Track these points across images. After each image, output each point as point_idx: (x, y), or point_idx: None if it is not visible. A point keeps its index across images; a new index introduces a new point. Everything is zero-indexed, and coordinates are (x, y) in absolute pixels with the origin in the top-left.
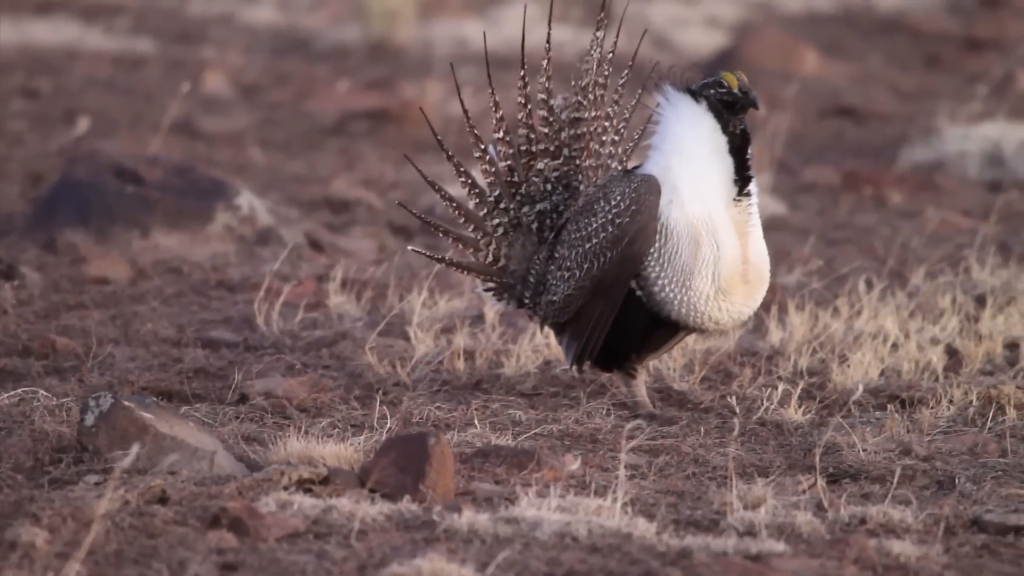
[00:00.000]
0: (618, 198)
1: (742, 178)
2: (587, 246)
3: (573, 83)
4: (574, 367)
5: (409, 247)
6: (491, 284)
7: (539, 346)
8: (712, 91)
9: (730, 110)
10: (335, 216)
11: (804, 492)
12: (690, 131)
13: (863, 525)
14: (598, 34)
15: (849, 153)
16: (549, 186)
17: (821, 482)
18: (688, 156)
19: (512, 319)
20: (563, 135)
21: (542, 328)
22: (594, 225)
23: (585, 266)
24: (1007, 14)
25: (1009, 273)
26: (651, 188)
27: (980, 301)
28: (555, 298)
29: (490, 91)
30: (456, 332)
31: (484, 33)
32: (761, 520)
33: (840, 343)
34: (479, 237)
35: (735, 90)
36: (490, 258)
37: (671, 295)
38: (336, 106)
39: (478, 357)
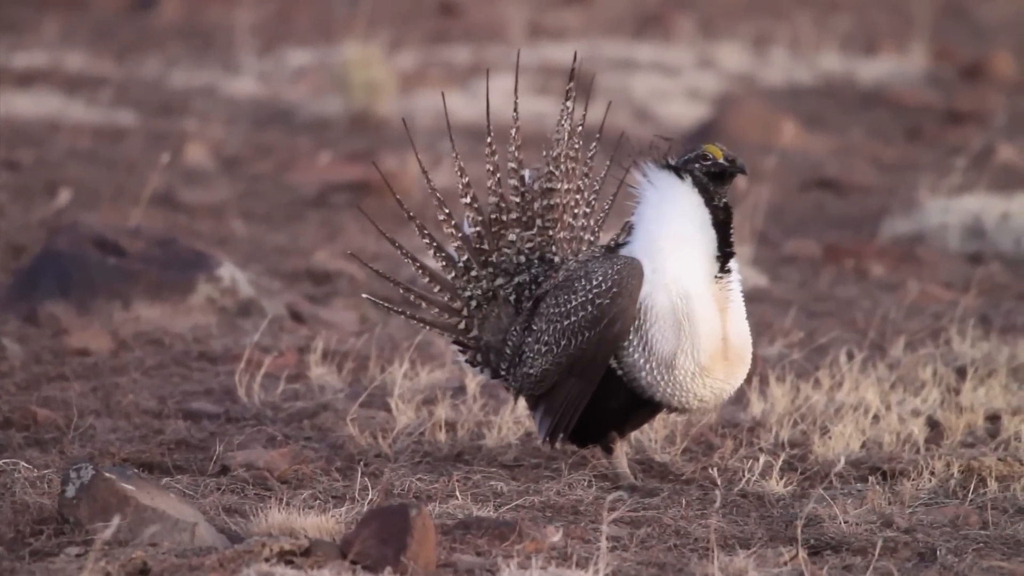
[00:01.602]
0: (600, 278)
1: (724, 254)
2: (565, 323)
3: (545, 154)
4: (546, 442)
5: (364, 295)
6: (467, 354)
7: (520, 418)
8: (697, 164)
9: (717, 181)
10: (316, 288)
11: (786, 564)
12: (674, 208)
13: None
14: (567, 104)
15: (830, 225)
16: (523, 258)
17: (803, 554)
18: (671, 235)
19: (493, 391)
20: (535, 206)
21: (516, 399)
22: (574, 303)
23: (563, 343)
24: (987, 87)
25: (990, 345)
26: (633, 271)
27: (961, 373)
28: (531, 371)
29: (454, 155)
30: (437, 403)
31: (443, 95)
32: None
33: (821, 415)
34: (454, 307)
35: (721, 160)
36: (463, 327)
37: (654, 378)
38: (317, 178)
39: (459, 428)
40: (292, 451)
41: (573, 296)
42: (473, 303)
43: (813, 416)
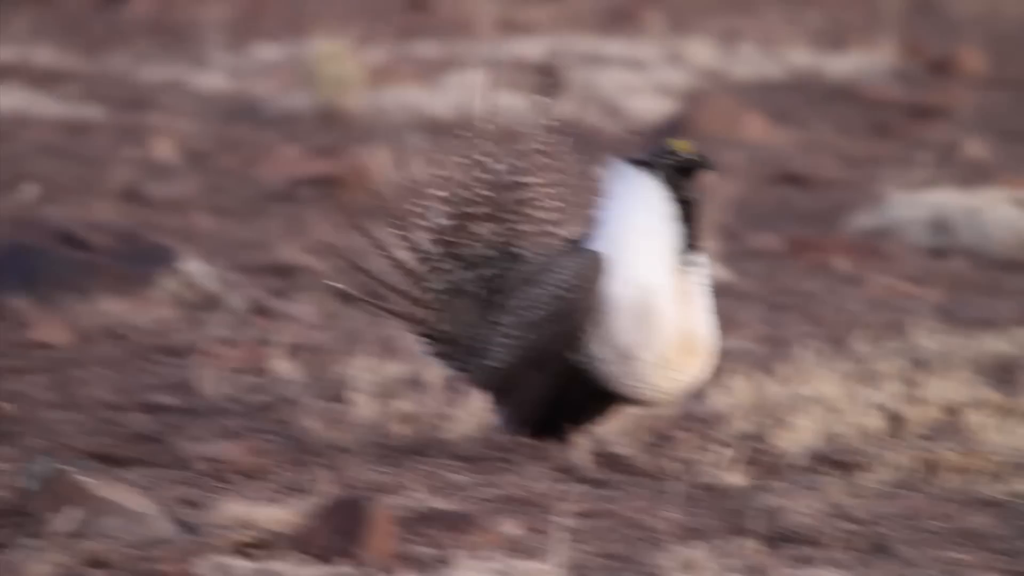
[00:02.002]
0: (563, 272)
1: (691, 247)
2: (529, 316)
3: (516, 148)
4: (508, 435)
5: (333, 283)
6: (430, 346)
7: (479, 410)
8: (663, 159)
9: (684, 176)
10: (280, 282)
11: (741, 556)
12: (639, 202)
13: None
14: (541, 99)
15: (795, 219)
16: (490, 251)
17: (759, 546)
18: (637, 229)
19: (453, 383)
20: (504, 199)
21: (478, 392)
22: (537, 297)
23: (525, 336)
24: (956, 82)
25: (950, 339)
26: (597, 265)
27: (921, 366)
28: (493, 364)
29: (432, 148)
30: (397, 396)
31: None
32: None
33: (781, 407)
34: (422, 299)
35: (687, 155)
36: (430, 319)
37: (616, 369)
38: (284, 172)
39: (419, 421)
40: (251, 444)
41: (537, 289)
42: (440, 296)
43: (772, 409)
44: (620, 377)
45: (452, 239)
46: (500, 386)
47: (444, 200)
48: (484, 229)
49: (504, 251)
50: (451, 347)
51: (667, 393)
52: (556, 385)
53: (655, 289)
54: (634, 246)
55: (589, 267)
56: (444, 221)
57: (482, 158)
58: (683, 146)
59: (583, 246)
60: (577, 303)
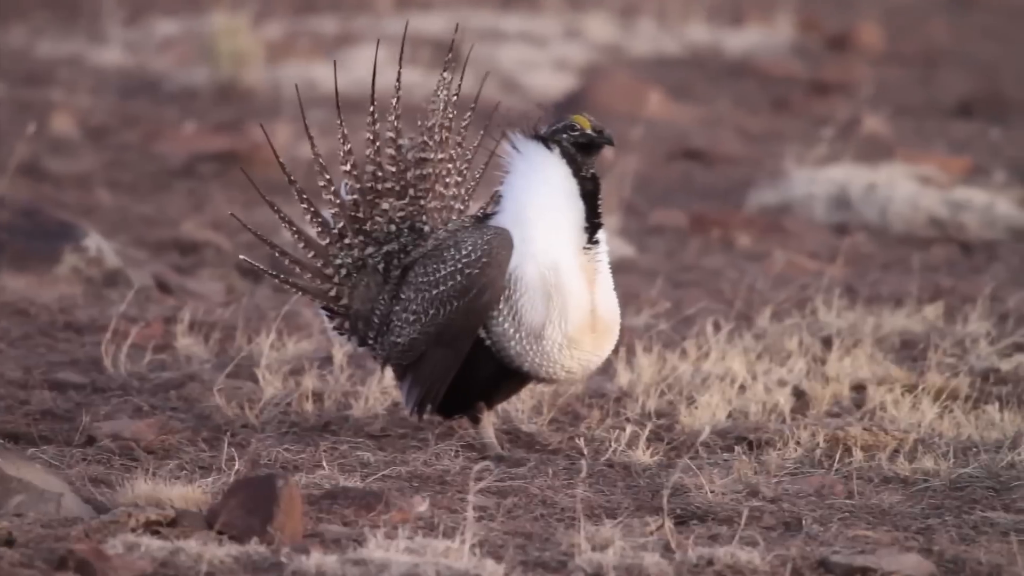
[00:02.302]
0: (469, 248)
1: (592, 225)
2: (434, 292)
3: (420, 124)
4: (414, 413)
5: (240, 256)
6: (335, 321)
7: (387, 388)
8: (565, 135)
9: (585, 152)
10: (183, 258)
11: (652, 534)
12: (542, 179)
13: (711, 566)
14: (445, 75)
15: (697, 195)
16: (394, 227)
17: (669, 523)
18: (540, 205)
19: (360, 361)
20: (409, 175)
21: (383, 369)
22: (442, 272)
23: (431, 312)
24: (854, 58)
25: (855, 315)
26: (503, 242)
27: (826, 343)
28: (399, 340)
29: (339, 122)
30: (304, 374)
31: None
32: (609, 562)
33: (688, 385)
34: (324, 273)
35: (588, 131)
36: (334, 295)
37: (523, 348)
38: (184, 148)
39: (327, 399)
40: (158, 421)
41: (442, 266)
42: (344, 271)
43: (679, 386)
44: (527, 356)
45: (358, 215)
46: (406, 363)
47: (351, 176)
48: (389, 205)
49: (409, 227)
50: (356, 323)
51: (573, 372)
52: (463, 362)
53: (561, 268)
54: (538, 223)
55: (493, 244)
56: (350, 197)
57: (386, 134)
58: (585, 122)
59: (488, 223)
60: (481, 280)
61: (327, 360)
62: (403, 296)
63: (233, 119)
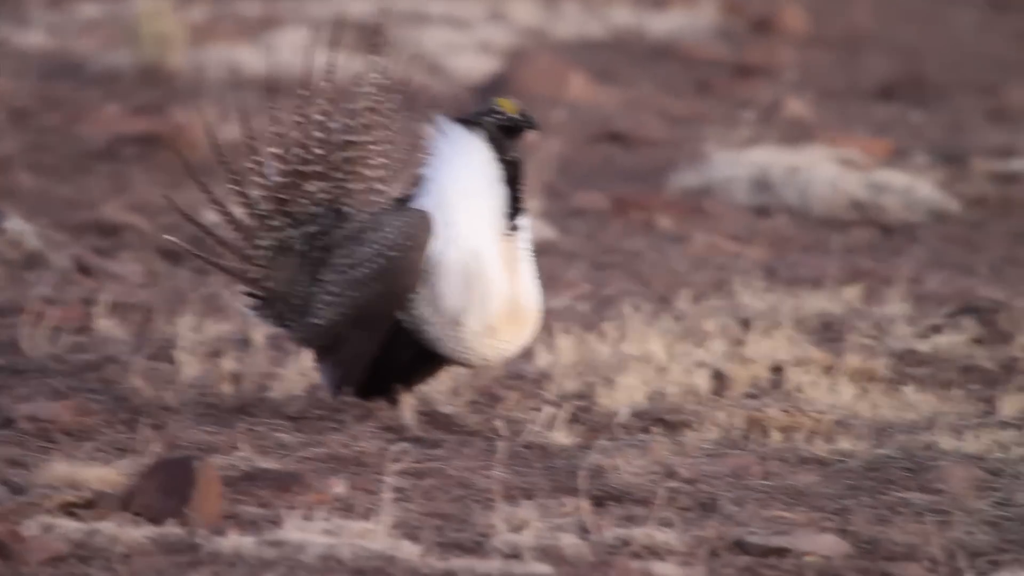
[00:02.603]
0: (390, 231)
1: (514, 210)
2: (354, 274)
3: (347, 106)
4: (333, 394)
5: (165, 235)
6: (256, 302)
7: (306, 369)
8: (488, 118)
9: (508, 135)
10: (104, 240)
11: (569, 514)
12: (465, 162)
13: (627, 547)
14: (372, 57)
15: (619, 178)
16: (319, 209)
17: (586, 504)
18: (462, 189)
19: (279, 342)
20: (334, 158)
21: (303, 350)
22: (363, 254)
23: (350, 294)
24: (777, 41)
25: (774, 297)
26: (424, 224)
27: (746, 325)
28: (318, 322)
29: (268, 104)
30: (223, 356)
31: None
32: (526, 543)
33: (606, 367)
34: (247, 253)
35: (512, 114)
36: (256, 276)
37: (440, 332)
38: (107, 130)
39: (245, 380)
40: (76, 403)
41: (362, 247)
42: (267, 252)
43: (598, 368)
44: (446, 341)
45: (283, 196)
46: (325, 344)
47: (277, 157)
48: (314, 187)
49: (332, 209)
50: (277, 304)
51: (489, 360)
52: (381, 345)
53: (482, 254)
54: (460, 208)
55: (415, 226)
56: (276, 178)
57: (316, 116)
58: (508, 105)
59: (409, 205)
60: (402, 262)
61: (246, 342)
62: (323, 278)
63: (156, 102)
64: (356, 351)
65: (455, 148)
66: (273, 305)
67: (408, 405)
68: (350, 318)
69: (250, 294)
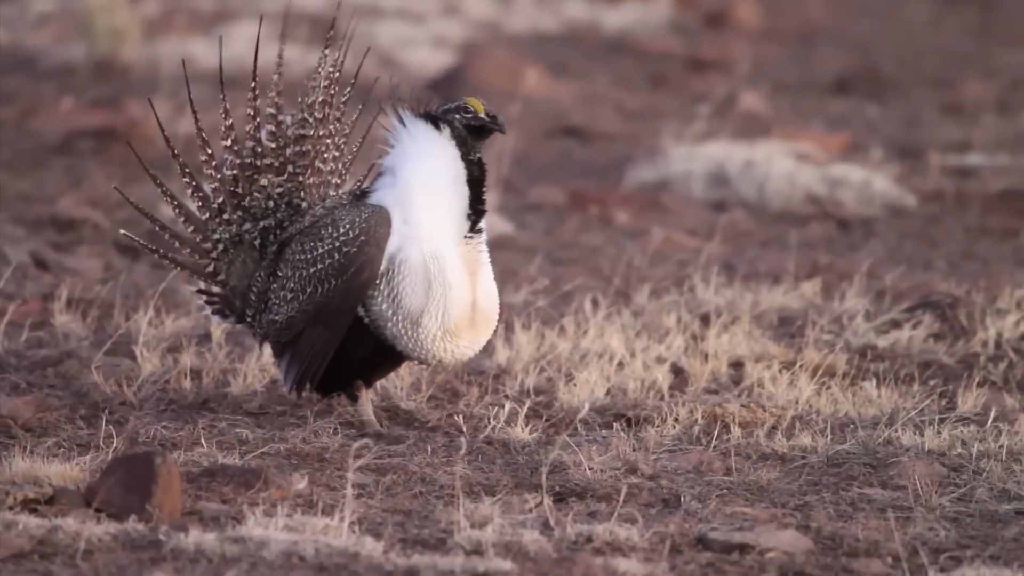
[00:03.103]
0: (347, 226)
1: (476, 212)
2: (311, 270)
3: (300, 100)
4: (293, 391)
5: (122, 231)
6: (213, 299)
7: (266, 365)
8: (457, 116)
9: (475, 135)
10: (61, 235)
11: (531, 511)
12: (428, 159)
13: (589, 543)
14: (326, 52)
15: (575, 173)
16: (271, 203)
17: (548, 500)
18: (424, 187)
19: (239, 338)
20: (288, 151)
21: (261, 346)
22: (320, 250)
23: (308, 290)
24: (731, 35)
25: (733, 292)
26: (381, 220)
27: (705, 320)
28: (276, 318)
29: (222, 97)
30: (183, 351)
31: (220, 40)
32: (488, 539)
33: (566, 362)
34: (203, 248)
35: (482, 114)
36: (212, 270)
37: (400, 331)
38: (61, 125)
39: (205, 376)
40: (36, 399)
41: (319, 243)
42: (222, 246)
43: (558, 363)
44: (404, 340)
45: (237, 190)
46: (284, 341)
47: (231, 151)
48: (268, 181)
49: (286, 203)
50: (234, 300)
51: (446, 362)
52: (342, 340)
53: (444, 256)
54: (422, 205)
55: (374, 222)
56: (230, 172)
57: (267, 110)
58: (478, 105)
59: (366, 200)
60: (360, 258)
61: (205, 337)
62: (280, 274)
63: (110, 95)
64: (315, 347)
65: (419, 144)
66: (230, 301)
67: (368, 401)
68: (308, 314)
69: (206, 292)
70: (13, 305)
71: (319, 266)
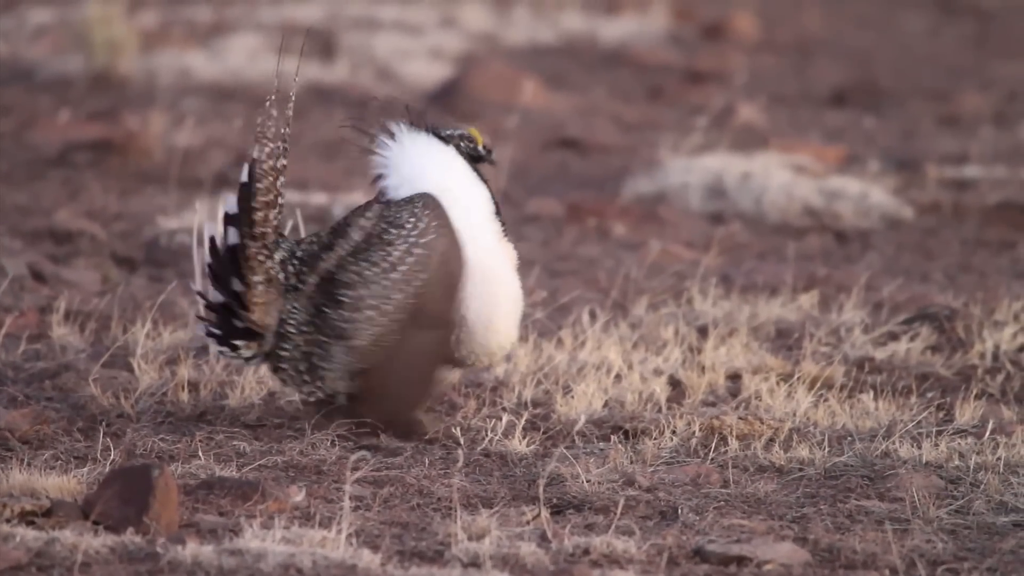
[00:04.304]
0: (410, 218)
1: (499, 211)
2: (394, 277)
3: (277, 129)
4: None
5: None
6: (240, 344)
7: (263, 377)
8: (462, 142)
9: (472, 163)
10: (58, 247)
11: (528, 523)
12: (448, 165)
13: (587, 556)
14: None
15: (573, 185)
16: (275, 232)
17: (545, 513)
18: (454, 186)
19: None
20: (280, 182)
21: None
22: (395, 254)
23: (396, 297)
24: (728, 47)
25: (730, 304)
26: (432, 199)
27: (702, 332)
28: (358, 343)
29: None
30: (180, 363)
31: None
32: (485, 551)
33: (564, 374)
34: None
35: (479, 146)
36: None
37: (467, 335)
38: (59, 137)
39: (202, 388)
40: (33, 411)
41: (390, 248)
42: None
43: (555, 375)
44: (468, 343)
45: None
46: (368, 365)
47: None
48: (275, 213)
49: (279, 232)
50: (277, 345)
51: (497, 363)
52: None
53: (496, 252)
54: (459, 201)
55: (431, 202)
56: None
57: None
58: (479, 138)
59: (415, 194)
60: (444, 240)
61: (203, 350)
62: (344, 298)
63: (108, 108)
64: (423, 356)
65: (431, 154)
66: (262, 339)
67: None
68: (404, 322)
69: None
70: (10, 317)
71: (402, 268)
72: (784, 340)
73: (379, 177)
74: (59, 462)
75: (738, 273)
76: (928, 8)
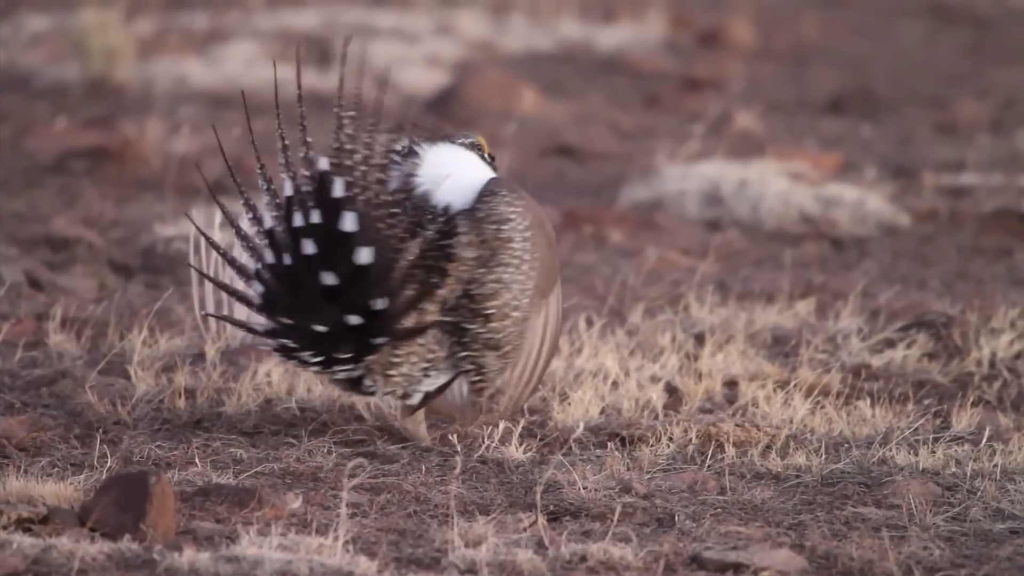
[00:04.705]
0: (507, 208)
1: None
2: (525, 268)
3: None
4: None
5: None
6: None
7: (260, 384)
8: (474, 150)
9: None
10: (55, 255)
11: (525, 530)
12: (476, 166)
13: (584, 563)
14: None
15: (569, 192)
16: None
17: (542, 520)
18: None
19: (233, 357)
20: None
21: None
22: (518, 245)
23: (529, 285)
24: (725, 54)
25: (727, 311)
26: (503, 178)
27: (699, 339)
28: (515, 314)
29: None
30: (177, 370)
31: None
32: (482, 558)
33: (561, 381)
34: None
35: (484, 154)
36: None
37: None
38: (55, 144)
39: (199, 395)
40: (30, 418)
41: (513, 245)
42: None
43: (552, 382)
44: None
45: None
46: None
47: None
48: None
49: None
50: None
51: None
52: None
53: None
54: None
55: (504, 181)
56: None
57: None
58: (486, 147)
59: (484, 186)
60: (540, 212)
61: (199, 357)
62: (493, 311)
63: (104, 115)
64: (557, 319)
65: (459, 157)
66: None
67: (365, 420)
68: (535, 296)
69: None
70: (7, 324)
71: (529, 256)
72: (781, 347)
73: (416, 194)
74: (56, 469)
75: (735, 280)
76: (924, 16)
